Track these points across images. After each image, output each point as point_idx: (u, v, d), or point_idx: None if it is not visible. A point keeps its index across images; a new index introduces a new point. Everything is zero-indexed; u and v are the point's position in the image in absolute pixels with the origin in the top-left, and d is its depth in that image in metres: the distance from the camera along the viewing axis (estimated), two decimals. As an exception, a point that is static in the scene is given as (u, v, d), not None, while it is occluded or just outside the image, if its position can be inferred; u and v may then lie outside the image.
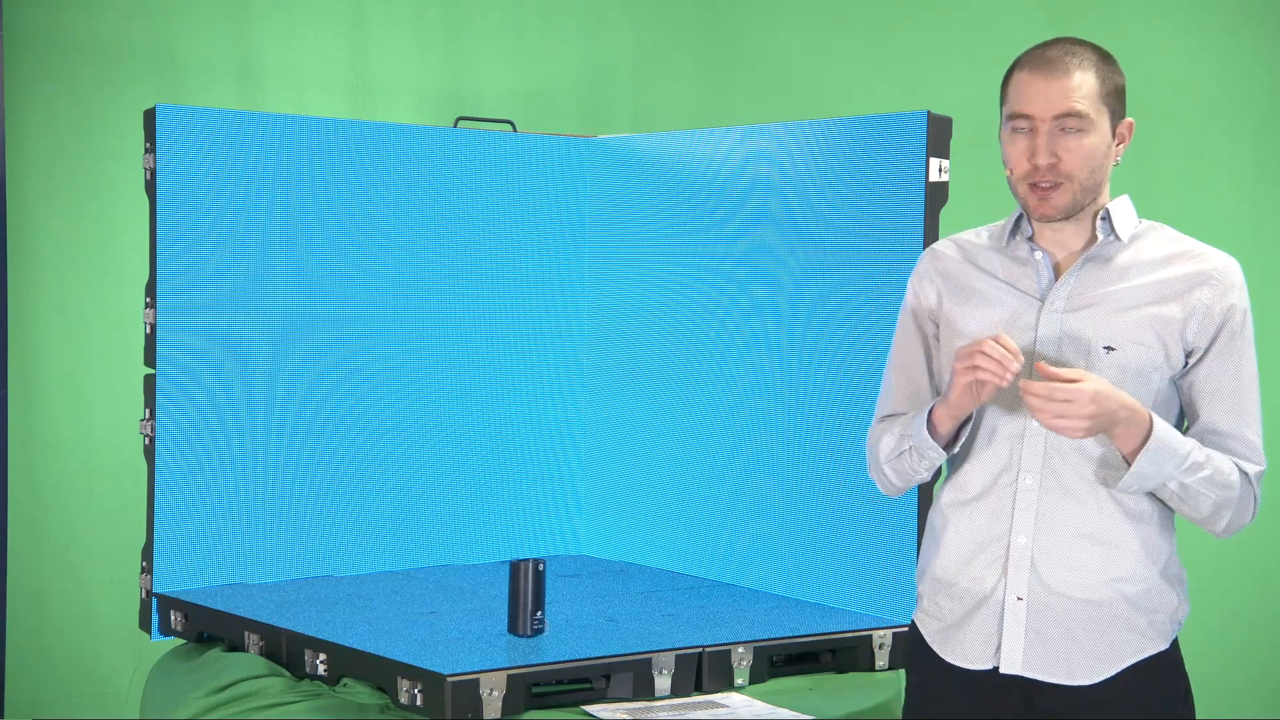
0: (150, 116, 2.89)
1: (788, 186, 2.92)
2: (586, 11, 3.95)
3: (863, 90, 3.76)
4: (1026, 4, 3.68)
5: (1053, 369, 1.69)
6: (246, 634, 2.65)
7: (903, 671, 2.65)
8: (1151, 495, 1.72)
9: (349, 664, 2.47)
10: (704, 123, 3.60)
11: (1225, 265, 1.77)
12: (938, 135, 2.64)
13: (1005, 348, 1.69)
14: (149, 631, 2.91)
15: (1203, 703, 3.51)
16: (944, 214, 2.69)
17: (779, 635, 2.60)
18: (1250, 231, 3.55)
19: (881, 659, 2.66)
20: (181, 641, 2.85)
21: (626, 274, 3.29)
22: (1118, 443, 1.69)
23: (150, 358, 2.91)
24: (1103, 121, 1.76)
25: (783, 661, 2.59)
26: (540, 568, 2.55)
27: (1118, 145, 1.78)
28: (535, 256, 3.30)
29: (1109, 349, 1.73)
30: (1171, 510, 1.74)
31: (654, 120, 3.90)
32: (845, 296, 2.81)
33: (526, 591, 2.54)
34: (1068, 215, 1.76)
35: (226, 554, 2.96)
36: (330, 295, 3.07)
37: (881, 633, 2.66)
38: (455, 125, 3.23)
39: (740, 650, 2.52)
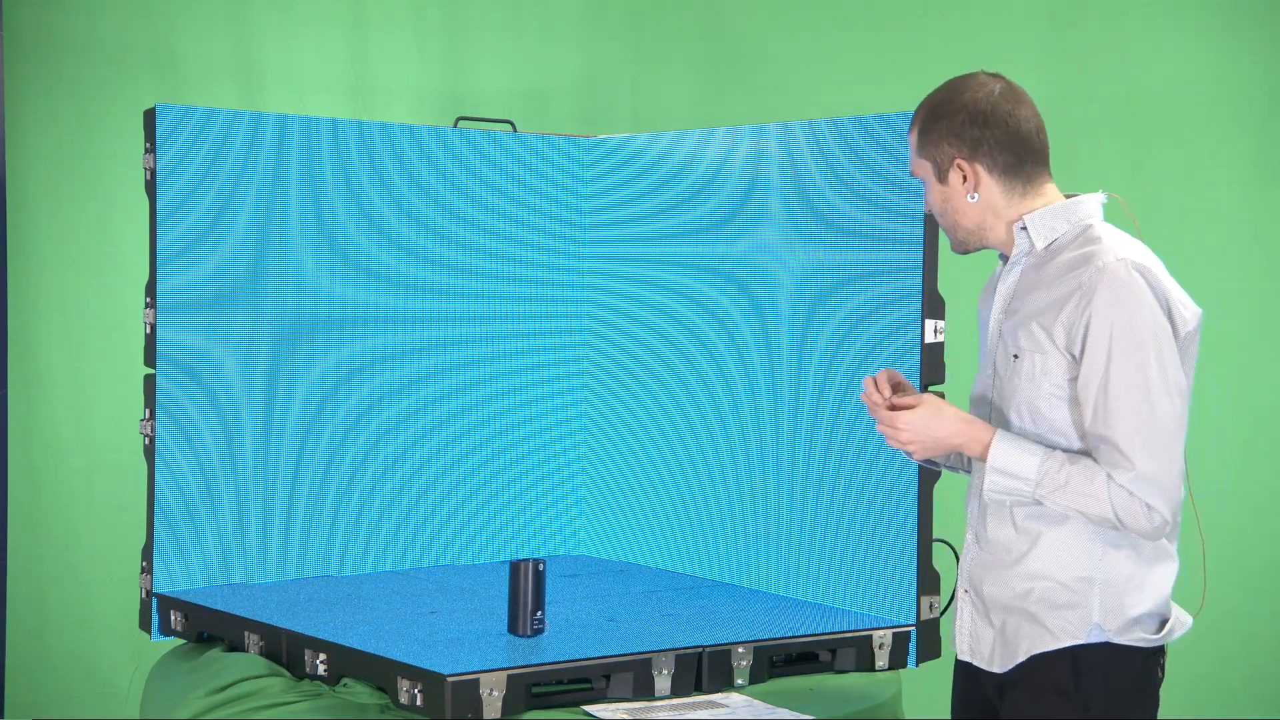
0: (150, 116, 2.89)
1: (787, 186, 2.92)
2: (586, 11, 3.95)
3: (863, 90, 3.76)
4: (1027, 4, 3.68)
5: (898, 398, 1.89)
6: (246, 634, 2.65)
7: (901, 672, 2.67)
8: None
9: (349, 664, 2.46)
10: (704, 123, 3.60)
11: (1093, 277, 1.81)
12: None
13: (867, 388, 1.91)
14: (149, 631, 2.90)
15: (1203, 702, 3.53)
16: (944, 214, 2.68)
17: (779, 635, 2.59)
18: (1251, 232, 3.55)
19: (881, 659, 2.65)
20: (181, 641, 2.85)
21: (626, 274, 3.29)
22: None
23: (150, 358, 2.90)
24: (929, 173, 1.94)
25: (783, 661, 2.59)
26: (540, 568, 2.55)
27: (963, 182, 1.91)
28: (535, 256, 3.29)
29: (1015, 356, 1.87)
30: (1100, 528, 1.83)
31: (654, 120, 3.90)
32: (845, 296, 2.81)
33: (526, 591, 2.54)
34: (963, 251, 1.97)
35: (226, 554, 2.96)
36: (330, 295, 3.07)
37: (881, 633, 2.66)
38: (455, 125, 3.23)
39: (740, 650, 2.52)
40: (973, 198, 1.92)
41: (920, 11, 3.78)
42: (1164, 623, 1.89)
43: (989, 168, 1.92)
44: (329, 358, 3.08)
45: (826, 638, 2.63)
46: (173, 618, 2.83)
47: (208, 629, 2.78)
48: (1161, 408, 1.76)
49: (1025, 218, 1.92)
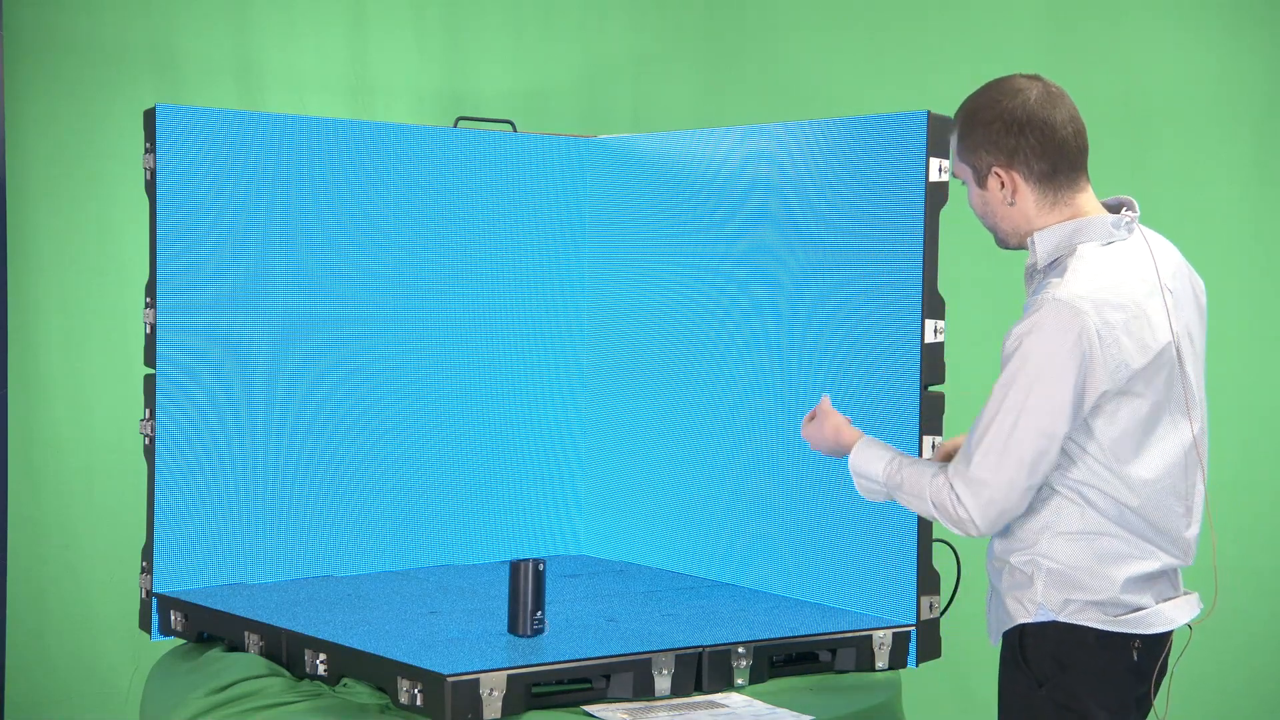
0: (150, 116, 2.89)
1: (788, 187, 2.92)
2: (586, 11, 3.94)
3: (863, 90, 3.75)
4: (1028, 4, 3.68)
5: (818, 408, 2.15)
6: (246, 634, 2.65)
7: (901, 672, 2.67)
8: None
9: (349, 664, 2.46)
10: (704, 123, 3.60)
11: (1032, 303, 1.90)
12: (938, 135, 2.63)
13: None
14: (149, 631, 2.90)
15: (1203, 702, 3.53)
16: (944, 214, 2.68)
17: (779, 635, 2.59)
18: (1250, 232, 3.55)
19: (881, 659, 2.65)
20: (181, 641, 2.85)
21: (626, 274, 3.28)
22: None
23: (150, 358, 2.90)
24: (969, 176, 2.01)
25: (783, 661, 2.59)
26: (540, 568, 2.55)
27: (1001, 189, 1.97)
28: (535, 256, 3.29)
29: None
30: (1059, 509, 1.92)
31: (654, 120, 3.90)
32: (845, 296, 2.81)
33: (526, 591, 2.54)
34: (1006, 248, 2.04)
35: (226, 554, 2.96)
36: (330, 295, 3.07)
37: (881, 633, 2.65)
38: (455, 125, 3.22)
39: (740, 650, 2.52)
40: (1010, 203, 1.97)
41: (921, 11, 3.77)
42: (1133, 611, 1.95)
43: (1025, 175, 1.96)
44: (329, 358, 3.08)
45: (826, 638, 2.62)
46: (172, 618, 2.83)
47: (207, 629, 2.77)
48: (1021, 433, 1.86)
49: (1035, 234, 1.97)
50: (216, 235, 2.94)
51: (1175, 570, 2.00)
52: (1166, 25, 3.56)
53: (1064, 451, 1.92)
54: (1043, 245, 1.97)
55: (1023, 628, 1.98)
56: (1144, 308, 1.91)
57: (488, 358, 3.25)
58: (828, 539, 2.85)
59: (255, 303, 2.98)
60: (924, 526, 2.69)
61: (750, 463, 3.00)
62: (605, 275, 3.32)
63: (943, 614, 2.71)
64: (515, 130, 3.29)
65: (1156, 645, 1.98)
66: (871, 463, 2.04)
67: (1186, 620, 1.99)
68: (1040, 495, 1.94)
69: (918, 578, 2.68)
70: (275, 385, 3.01)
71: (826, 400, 2.18)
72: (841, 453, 2.11)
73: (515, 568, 2.55)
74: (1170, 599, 1.98)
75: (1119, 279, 1.92)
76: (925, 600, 2.68)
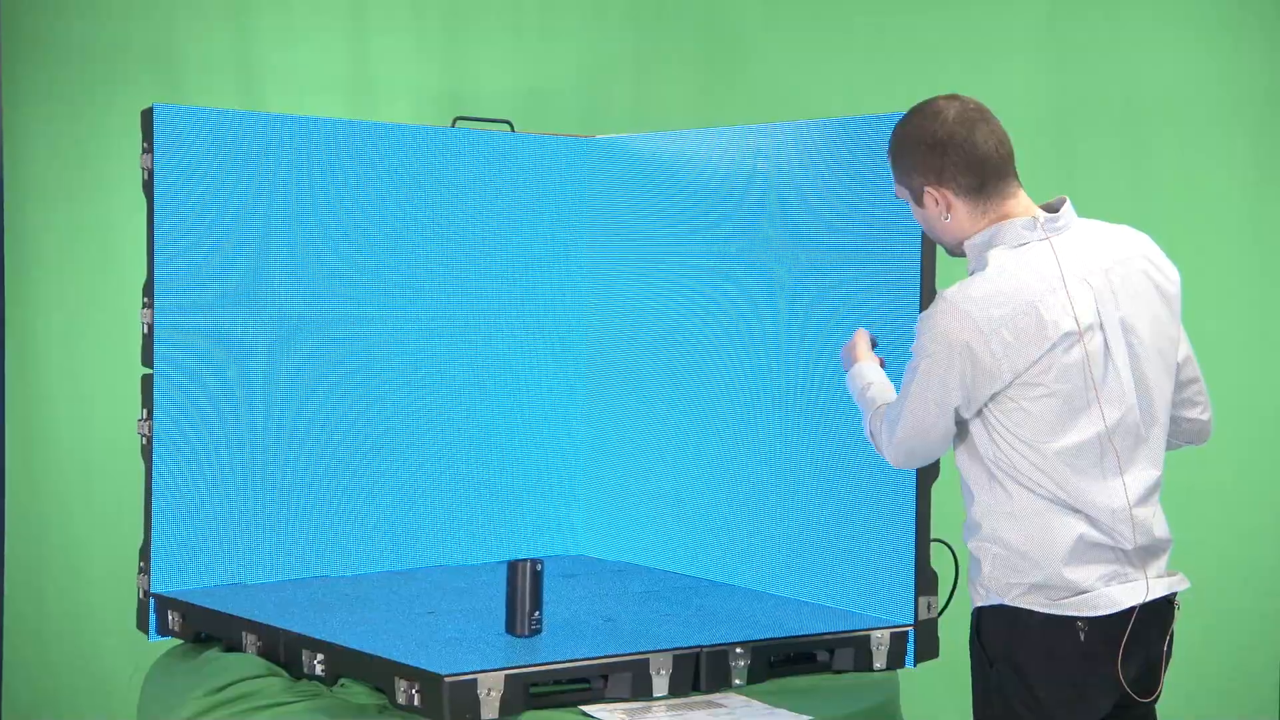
0: (148, 116, 2.89)
1: (786, 186, 2.91)
2: (586, 11, 3.94)
3: (862, 89, 3.75)
4: (1027, 2, 3.68)
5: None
6: (244, 634, 2.64)
7: (900, 672, 2.67)
8: (972, 477, 2.10)
9: (347, 664, 2.46)
10: (703, 123, 3.59)
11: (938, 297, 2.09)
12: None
13: None
14: (146, 632, 2.90)
15: (1202, 702, 3.53)
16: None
17: (777, 635, 2.59)
18: (1251, 232, 3.55)
19: (879, 659, 2.65)
20: (179, 642, 2.84)
21: (625, 273, 3.28)
22: None
23: (148, 358, 2.90)
24: (907, 196, 2.16)
25: (780, 662, 2.59)
26: (538, 568, 2.55)
27: (936, 206, 2.11)
28: (533, 256, 3.29)
29: None
30: (993, 491, 2.08)
31: (653, 120, 3.88)
32: (843, 296, 2.81)
33: (524, 591, 2.54)
34: (953, 255, 2.19)
35: (224, 554, 2.95)
36: (328, 295, 3.07)
37: (880, 633, 2.65)
38: (453, 125, 3.22)
39: (738, 650, 2.52)
40: (947, 218, 2.11)
41: (920, 10, 3.77)
42: (1077, 594, 2.03)
43: (956, 191, 2.10)
44: (327, 358, 3.07)
45: (824, 638, 2.63)
46: (170, 618, 2.83)
47: (205, 629, 2.77)
48: (920, 405, 2.09)
49: (965, 243, 2.12)
50: (215, 235, 2.94)
51: (1124, 552, 2.05)
52: (1166, 23, 3.56)
53: (991, 436, 2.06)
54: (970, 252, 2.13)
55: (980, 611, 2.11)
56: (1035, 303, 2.01)
57: (486, 357, 3.24)
58: (826, 539, 2.85)
59: (253, 303, 2.98)
60: (922, 526, 2.69)
61: (748, 463, 3.00)
62: (604, 275, 3.32)
63: (940, 614, 2.71)
64: (514, 130, 3.28)
65: (1108, 627, 2.03)
66: (854, 378, 2.30)
67: (1133, 602, 2.03)
68: (981, 479, 2.09)
69: (915, 578, 2.68)
70: (274, 385, 3.01)
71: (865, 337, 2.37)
72: (848, 364, 2.34)
73: (513, 567, 2.55)
74: (1125, 582, 2.04)
75: (1015, 280, 2.04)
76: (923, 600, 2.69)
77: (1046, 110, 3.63)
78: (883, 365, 2.33)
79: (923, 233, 2.65)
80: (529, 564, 2.55)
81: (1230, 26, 3.53)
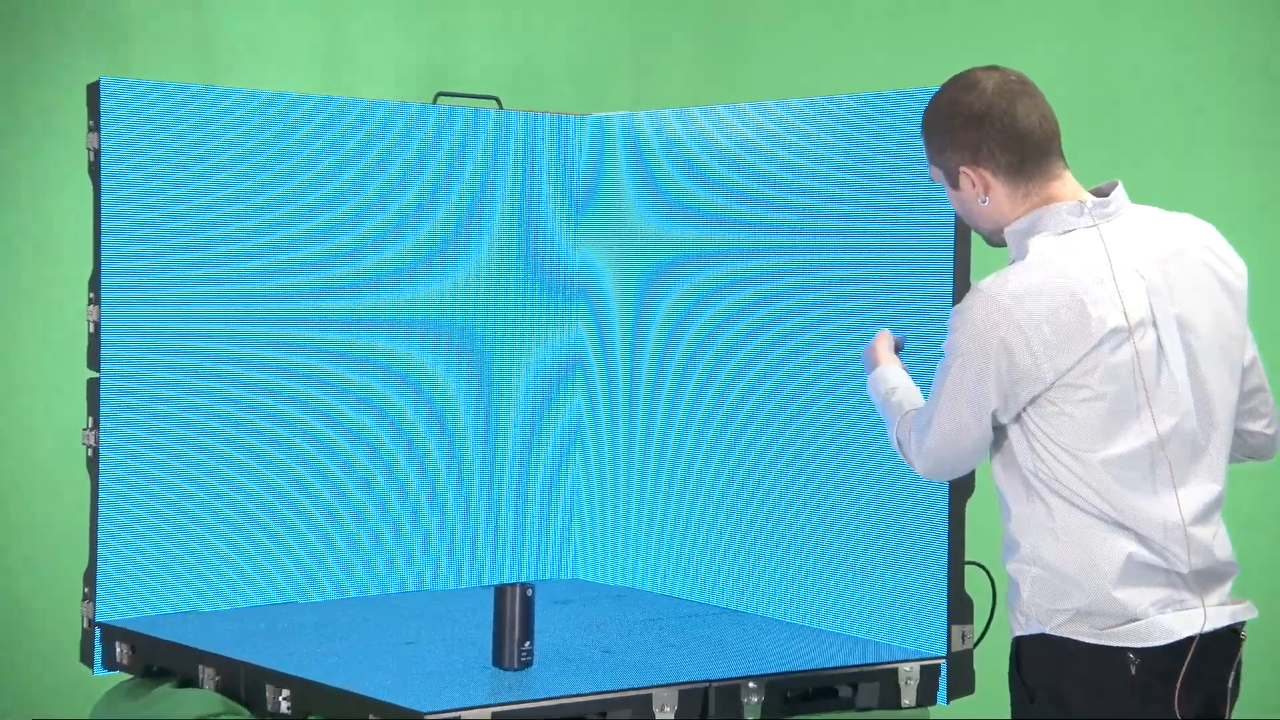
0: (94, 91, 2.89)
1: (804, 170, 2.92)
2: (581, -23, 3.96)
3: (886, 63, 3.75)
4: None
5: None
6: (200, 667, 2.64)
7: (930, 710, 2.67)
8: (1010, 491, 2.10)
9: (316, 700, 2.46)
10: (710, 100, 3.60)
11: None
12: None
13: None
14: (91, 665, 2.90)
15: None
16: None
17: (793, 668, 2.58)
18: (1244, 219, 3.55)
19: (908, 695, 2.65)
20: (128, 676, 2.84)
21: (625, 268, 3.28)
22: None
23: (94, 360, 2.90)
24: (942, 180, 2.16)
25: (798, 698, 2.58)
26: (529, 593, 2.55)
27: (973, 188, 2.12)
28: (523, 249, 3.29)
29: None
30: (1032, 506, 2.08)
31: (655, 97, 3.89)
32: (867, 292, 2.81)
33: (513, 620, 2.54)
34: (992, 244, 2.19)
35: (178, 578, 2.96)
36: (296, 291, 3.07)
37: (909, 666, 2.65)
38: (435, 102, 3.22)
39: (751, 685, 2.52)
40: (984, 201, 2.11)
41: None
42: (1127, 622, 2.02)
43: (994, 171, 2.09)
44: (296, 360, 3.07)
45: (847, 671, 2.62)
46: (118, 650, 2.83)
47: (157, 662, 2.77)
48: (953, 409, 2.09)
49: (1005, 230, 2.12)
50: (169, 224, 2.94)
51: (1179, 575, 2.05)
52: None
53: (1030, 444, 2.06)
54: (1010, 239, 2.12)
55: (1019, 641, 2.10)
56: (1080, 296, 2.01)
57: (470, 360, 3.25)
58: (847, 561, 2.84)
59: (212, 300, 2.98)
60: (955, 547, 2.69)
61: (760, 476, 3.01)
62: (601, 269, 3.33)
63: (976, 644, 2.71)
64: (501, 107, 3.28)
65: (1163, 659, 2.02)
66: (877, 383, 2.30)
67: (1190, 632, 2.03)
68: (1019, 493, 2.09)
69: (948, 604, 2.68)
70: (235, 391, 3.01)
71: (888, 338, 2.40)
72: (867, 366, 2.36)
73: (501, 593, 2.55)
74: (1181, 609, 2.04)
75: (1058, 270, 2.03)
76: (957, 630, 2.69)
77: (1088, 86, 3.63)
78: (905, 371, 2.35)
79: (957, 220, 2.67)
80: (518, 589, 2.55)
81: (1222, 9, 3.55)
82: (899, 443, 2.21)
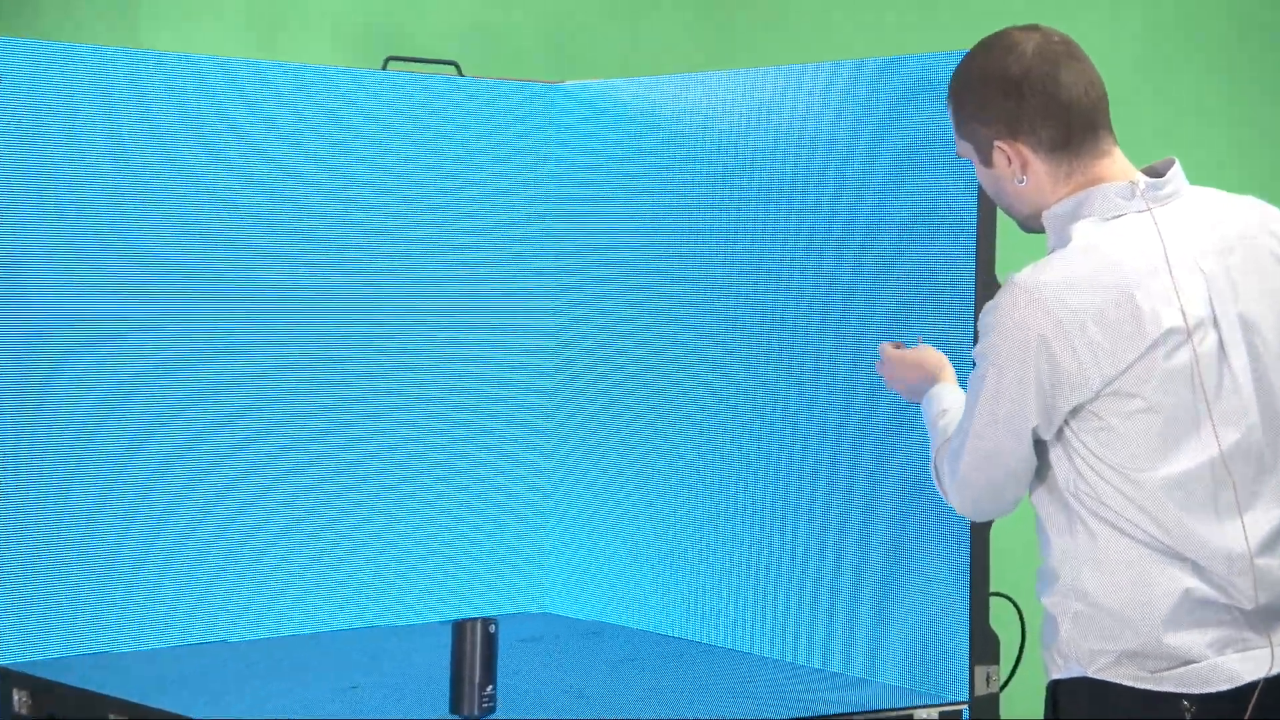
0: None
1: (807, 148, 2.91)
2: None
3: (901, 26, 3.74)
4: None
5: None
6: (112, 717, 2.63)
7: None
8: (1048, 516, 2.08)
9: (242, 754, 2.47)
10: (702, 66, 3.59)
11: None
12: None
13: None
14: (-13, 714, 2.89)
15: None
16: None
17: (792, 715, 2.59)
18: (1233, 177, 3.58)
19: (925, 746, 2.68)
20: (28, 727, 2.84)
21: (602, 261, 3.28)
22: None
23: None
24: (972, 155, 2.14)
25: (799, 749, 2.60)
26: (491, 629, 2.55)
27: (1009, 166, 2.10)
28: (486, 239, 3.28)
29: None
30: (1074, 534, 2.06)
31: (639, 63, 3.88)
32: (879, 288, 2.81)
33: (473, 660, 2.54)
34: (1028, 231, 2.17)
35: (86, 615, 2.94)
36: (216, 286, 3.04)
37: (926, 711, 2.66)
38: (384, 68, 3.21)
39: (744, 735, 2.54)
40: (1021, 181, 2.09)
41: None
42: (1182, 664, 2.01)
43: (1034, 146, 2.07)
44: (220, 362, 3.05)
45: (854, 718, 2.63)
46: (15, 698, 2.81)
47: (61, 711, 2.76)
48: (990, 429, 2.06)
49: (1044, 214, 2.10)
50: (59, 207, 2.91)
51: (1242, 612, 2.04)
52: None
53: (1072, 463, 2.04)
54: (1050, 225, 2.10)
55: (1056, 685, 2.08)
56: (1132, 291, 1.99)
57: (425, 364, 3.24)
58: (853, 591, 2.85)
59: (113, 296, 2.96)
60: (978, 577, 2.69)
61: (755, 497, 3.00)
62: (575, 263, 3.32)
63: (1003, 688, 2.72)
64: (460, 74, 3.27)
65: (1222, 707, 2.01)
66: (929, 404, 2.28)
67: (1255, 676, 2.01)
68: (1059, 518, 2.07)
69: (971, 642, 2.69)
70: (146, 397, 2.98)
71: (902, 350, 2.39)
72: (926, 388, 2.33)
73: (459, 629, 2.55)
74: (1244, 650, 2.03)
75: (1106, 260, 2.02)
76: (981, 671, 2.69)
77: (1139, 48, 3.64)
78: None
79: (981, 202, 2.67)
80: (480, 625, 2.55)
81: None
82: (935, 475, 2.17)
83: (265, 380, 3.10)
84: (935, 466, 2.17)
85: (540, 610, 3.36)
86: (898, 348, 2.36)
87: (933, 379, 2.29)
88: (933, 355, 2.32)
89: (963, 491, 2.10)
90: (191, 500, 3.03)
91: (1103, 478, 2.01)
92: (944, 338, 2.65)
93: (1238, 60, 3.59)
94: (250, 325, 3.08)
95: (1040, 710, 2.17)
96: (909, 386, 2.32)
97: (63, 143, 2.89)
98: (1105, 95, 2.08)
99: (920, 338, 2.36)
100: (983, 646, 2.69)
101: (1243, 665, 2.01)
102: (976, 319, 2.63)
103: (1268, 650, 2.02)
